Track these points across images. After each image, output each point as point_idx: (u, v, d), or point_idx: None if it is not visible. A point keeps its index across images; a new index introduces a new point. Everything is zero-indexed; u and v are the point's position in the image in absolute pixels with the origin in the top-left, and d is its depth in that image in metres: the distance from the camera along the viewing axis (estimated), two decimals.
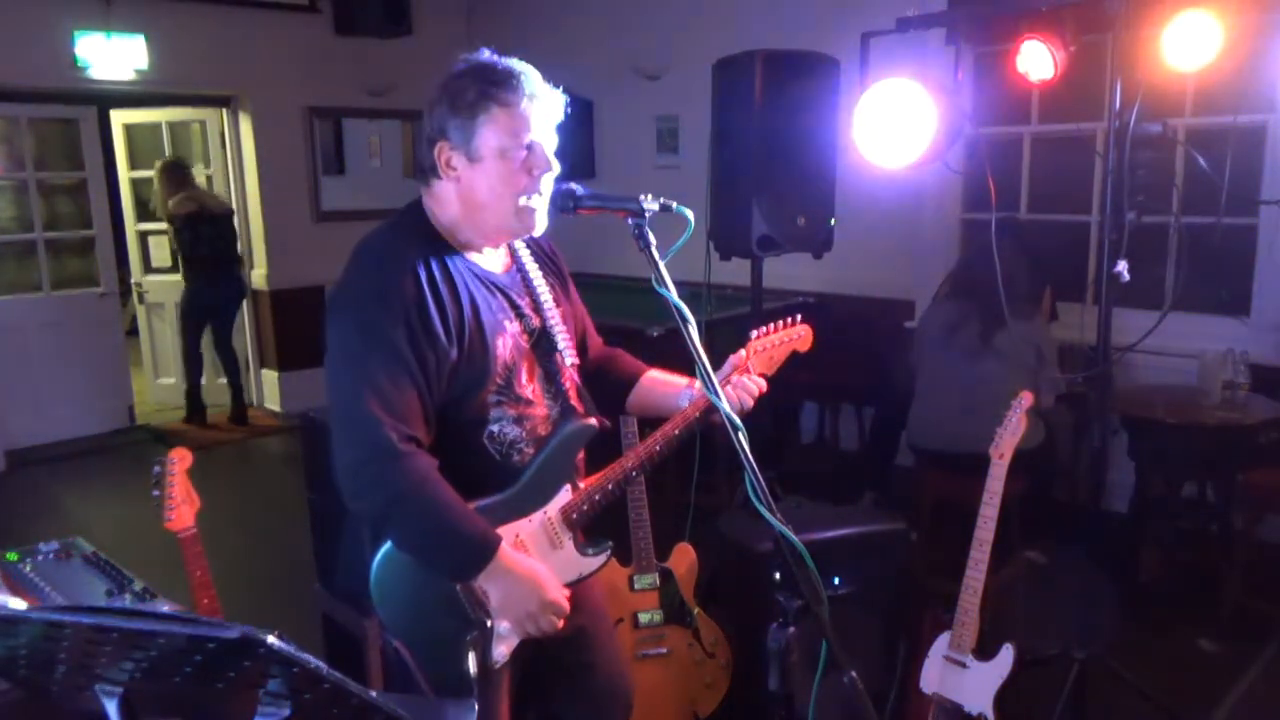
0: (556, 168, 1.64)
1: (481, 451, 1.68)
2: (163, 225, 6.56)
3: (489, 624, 1.66)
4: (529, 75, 1.62)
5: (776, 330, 1.94)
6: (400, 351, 1.54)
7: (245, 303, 6.88)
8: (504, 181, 1.61)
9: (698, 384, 1.83)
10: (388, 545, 1.63)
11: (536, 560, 1.70)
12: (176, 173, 6.37)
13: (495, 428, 1.68)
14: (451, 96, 1.60)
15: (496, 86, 1.58)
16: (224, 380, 6.75)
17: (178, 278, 6.62)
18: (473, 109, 1.58)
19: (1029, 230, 4.89)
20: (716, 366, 1.52)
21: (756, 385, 1.84)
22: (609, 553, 1.84)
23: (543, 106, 1.62)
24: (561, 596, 1.66)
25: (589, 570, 1.80)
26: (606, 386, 1.94)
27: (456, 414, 1.65)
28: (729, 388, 1.80)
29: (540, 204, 1.65)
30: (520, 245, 1.81)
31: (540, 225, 1.68)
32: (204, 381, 6.76)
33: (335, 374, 1.59)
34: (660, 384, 1.95)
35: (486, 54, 1.64)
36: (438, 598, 1.64)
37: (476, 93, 1.58)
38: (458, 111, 1.60)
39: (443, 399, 1.63)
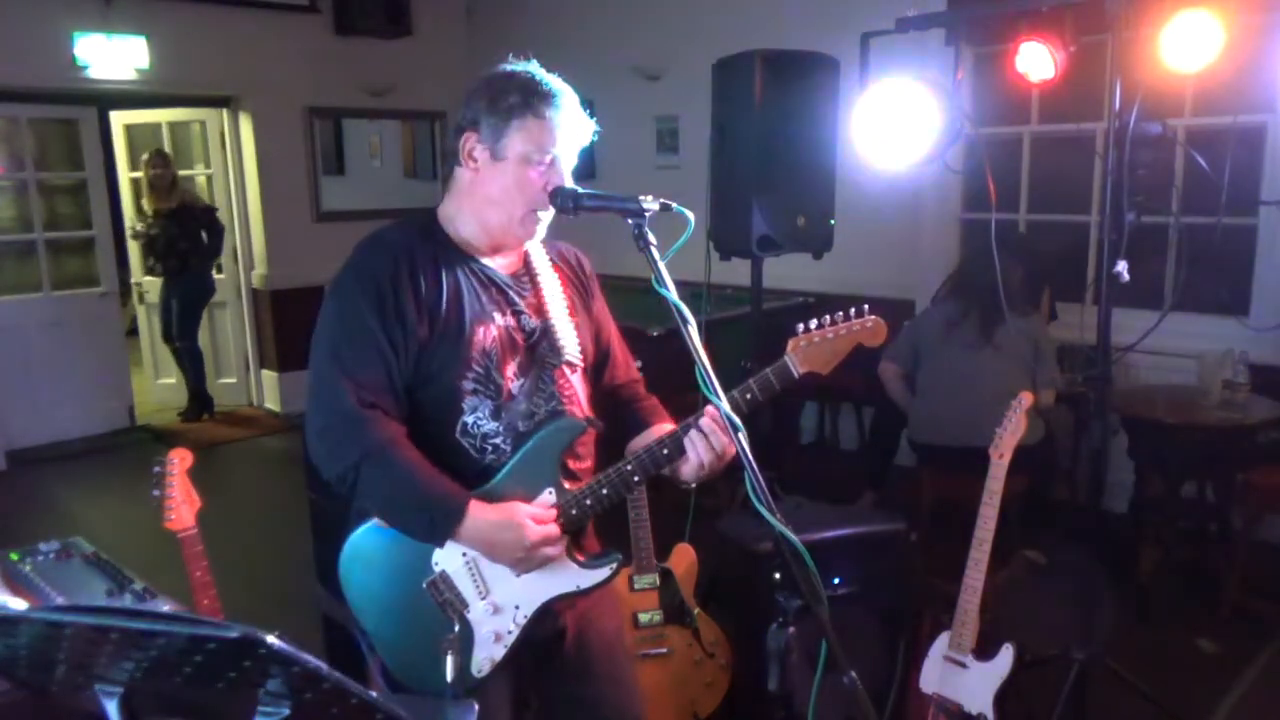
0: (568, 185, 1.66)
1: (457, 447, 1.66)
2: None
3: (457, 629, 1.62)
4: (569, 97, 1.66)
5: (835, 325, 1.71)
6: (366, 324, 1.59)
7: (245, 303, 6.91)
8: (519, 187, 1.64)
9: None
10: (357, 533, 1.65)
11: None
12: (169, 163, 6.39)
13: (470, 419, 1.66)
14: (494, 94, 1.64)
15: (540, 99, 1.63)
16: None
17: None
18: (510, 112, 1.62)
19: (1023, 236, 4.89)
20: (716, 366, 1.51)
21: (720, 444, 1.62)
22: (614, 567, 1.72)
23: (574, 130, 1.66)
24: (544, 530, 1.61)
25: (588, 584, 1.70)
26: (613, 424, 1.86)
27: (429, 397, 1.65)
28: (689, 438, 1.64)
29: (545, 218, 1.69)
30: (540, 252, 1.81)
31: (540, 235, 1.72)
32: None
33: (312, 348, 1.65)
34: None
35: (536, 65, 1.69)
36: (404, 595, 1.63)
37: (520, 99, 1.62)
38: (496, 110, 1.63)
39: (412, 378, 1.64)
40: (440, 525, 1.60)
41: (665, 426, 1.81)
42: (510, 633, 1.67)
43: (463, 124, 1.67)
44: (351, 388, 1.58)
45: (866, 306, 1.75)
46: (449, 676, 1.56)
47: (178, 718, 1.07)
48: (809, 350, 1.70)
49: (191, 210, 6.41)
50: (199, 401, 6.73)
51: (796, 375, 1.70)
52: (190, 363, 6.69)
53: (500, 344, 1.68)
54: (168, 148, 6.71)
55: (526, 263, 1.79)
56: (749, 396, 1.67)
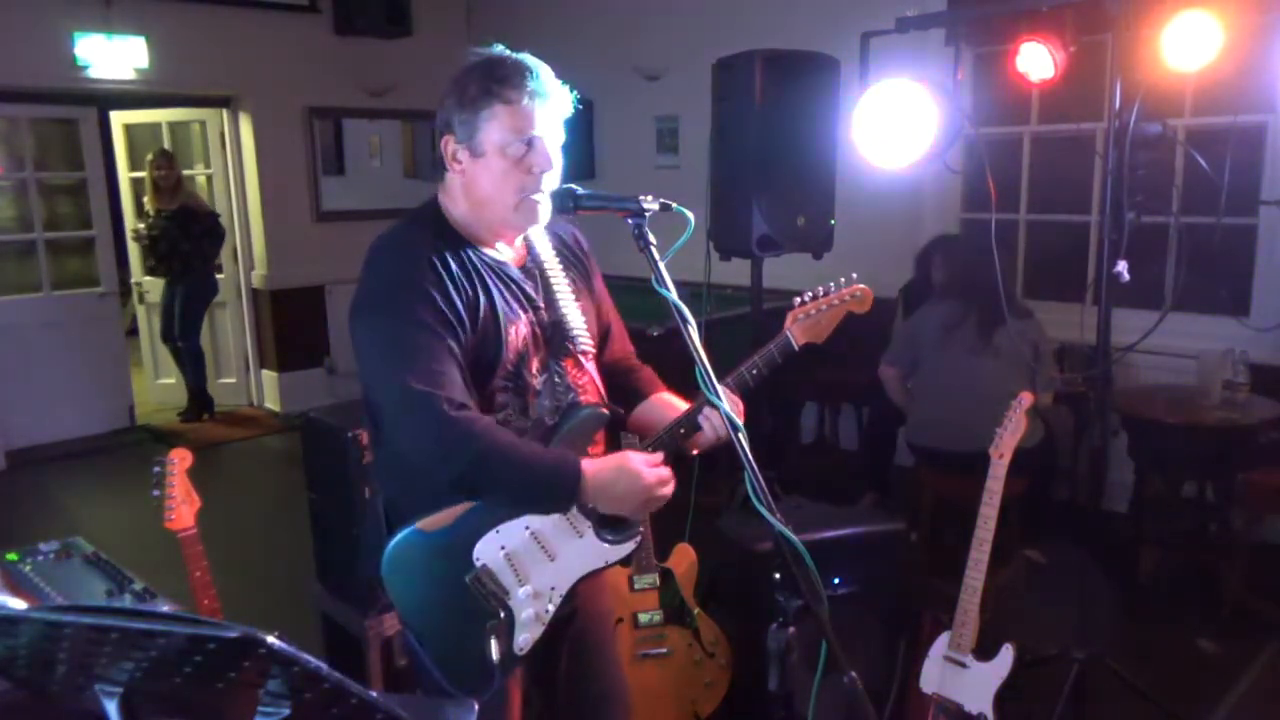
0: (558, 165, 1.65)
1: None
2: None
3: (503, 615, 1.66)
4: (536, 71, 1.61)
5: (826, 295, 1.84)
6: (433, 331, 1.58)
7: (245, 303, 6.91)
8: (505, 177, 1.62)
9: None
10: (397, 538, 1.65)
11: (559, 548, 1.69)
12: (174, 164, 6.39)
13: (500, 416, 1.69)
14: (459, 91, 1.61)
15: (500, 83, 1.59)
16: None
17: None
18: (476, 105, 1.60)
19: (961, 242, 4.83)
20: (716, 366, 1.52)
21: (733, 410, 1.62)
22: (638, 538, 1.80)
23: (548, 104, 1.62)
24: (656, 472, 1.65)
25: (615, 557, 1.78)
26: (614, 396, 1.90)
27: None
28: (705, 414, 1.72)
29: (543, 199, 1.67)
30: (540, 238, 1.80)
31: (544, 219, 1.69)
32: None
33: (375, 367, 1.62)
34: (667, 405, 1.87)
35: (497, 49, 1.65)
36: (450, 591, 1.66)
37: (480, 88, 1.59)
38: (463, 107, 1.61)
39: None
40: (563, 493, 1.62)
41: (665, 395, 1.90)
42: (548, 612, 1.72)
43: (440, 130, 1.66)
44: (439, 394, 1.56)
45: (855, 275, 1.85)
46: (495, 659, 1.65)
47: (178, 718, 1.07)
48: (806, 323, 1.82)
49: (194, 212, 6.41)
50: (199, 402, 6.73)
51: (796, 348, 1.80)
52: (191, 363, 6.69)
53: (526, 342, 1.70)
54: (168, 148, 6.71)
55: (530, 252, 1.78)
56: (754, 372, 1.75)
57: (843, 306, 1.85)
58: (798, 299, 1.81)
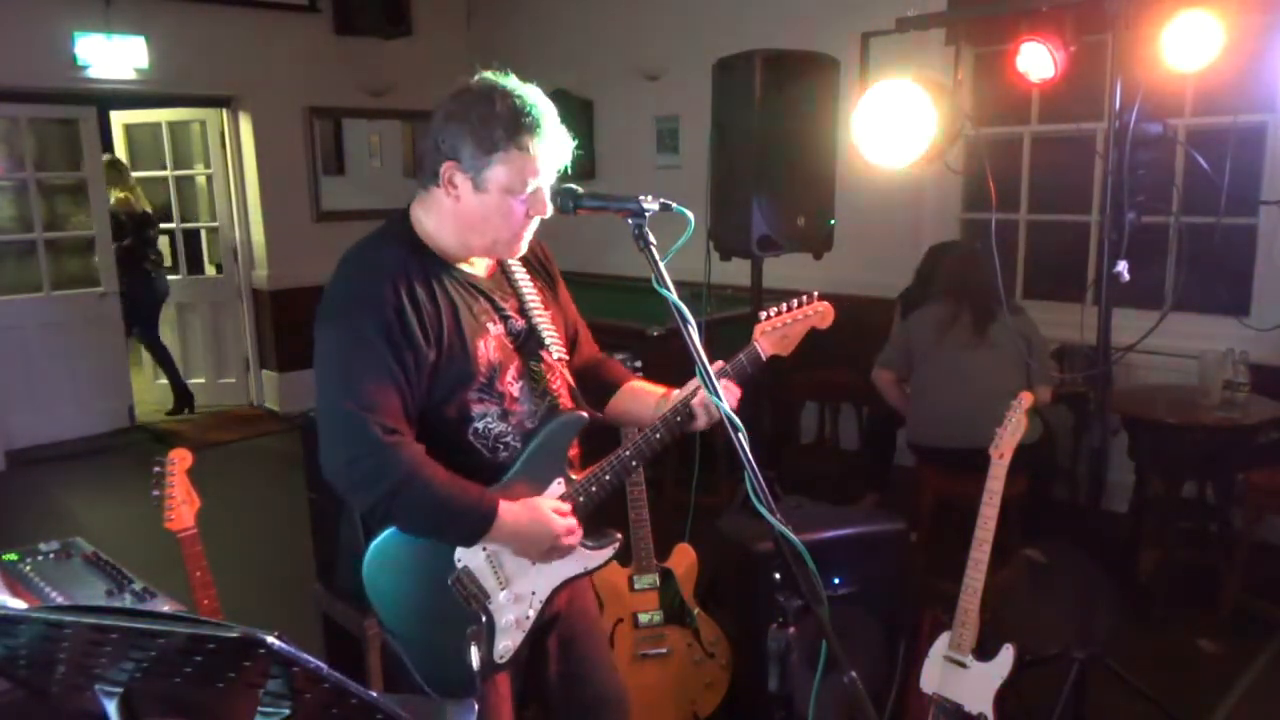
0: (550, 213, 1.69)
1: (469, 448, 1.70)
2: (166, 225, 6.75)
3: (483, 620, 1.67)
4: (548, 116, 1.63)
5: (791, 310, 1.93)
6: (379, 353, 1.59)
7: (245, 303, 6.91)
8: (501, 216, 1.65)
9: (675, 392, 1.85)
10: (379, 539, 1.66)
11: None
12: (122, 169, 6.45)
13: (480, 424, 1.70)
14: (475, 125, 1.60)
15: (524, 131, 1.59)
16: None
17: (177, 277, 6.76)
18: (494, 145, 1.60)
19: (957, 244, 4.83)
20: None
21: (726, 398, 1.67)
22: (616, 545, 1.84)
23: (554, 150, 1.64)
24: (567, 522, 1.70)
25: (595, 564, 1.82)
26: (588, 391, 1.94)
27: (440, 413, 1.68)
28: (695, 404, 1.80)
29: (529, 235, 1.72)
30: None
31: (521, 252, 1.75)
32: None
33: (321, 379, 1.64)
34: (640, 392, 1.94)
35: (511, 82, 1.64)
36: (430, 593, 1.67)
37: (504, 133, 1.59)
38: (479, 142, 1.60)
39: (425, 400, 1.66)
40: (474, 532, 1.66)
41: (635, 384, 1.98)
42: (528, 618, 1.74)
43: (441, 147, 1.64)
44: (371, 419, 1.57)
45: (816, 293, 1.97)
46: (475, 665, 1.65)
47: (178, 718, 1.07)
48: (771, 335, 1.91)
49: (132, 215, 6.43)
50: (180, 395, 6.80)
51: (764, 358, 1.90)
52: (158, 360, 6.75)
53: (499, 353, 1.72)
54: (167, 147, 6.74)
55: (500, 264, 1.82)
56: (723, 381, 1.79)
57: (805, 322, 1.94)
58: (763, 313, 1.90)
